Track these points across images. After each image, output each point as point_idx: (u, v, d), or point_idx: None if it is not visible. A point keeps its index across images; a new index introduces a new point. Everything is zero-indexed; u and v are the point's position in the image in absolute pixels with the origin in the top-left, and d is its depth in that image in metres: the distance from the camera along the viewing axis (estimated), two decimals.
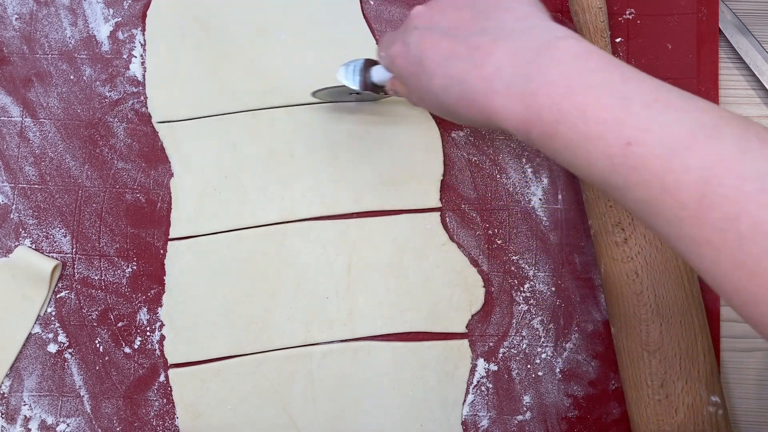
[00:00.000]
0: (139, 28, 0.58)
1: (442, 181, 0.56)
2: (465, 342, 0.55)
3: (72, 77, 0.58)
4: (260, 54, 0.57)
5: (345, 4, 0.58)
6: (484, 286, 0.55)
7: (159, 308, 0.55)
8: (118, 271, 0.56)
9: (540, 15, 0.37)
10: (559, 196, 0.56)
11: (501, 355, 0.55)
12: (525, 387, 0.54)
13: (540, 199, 0.56)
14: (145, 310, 0.55)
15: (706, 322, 0.50)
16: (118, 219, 0.57)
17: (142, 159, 0.57)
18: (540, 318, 0.55)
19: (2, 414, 0.55)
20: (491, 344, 0.55)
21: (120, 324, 0.55)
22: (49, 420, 0.55)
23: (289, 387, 0.54)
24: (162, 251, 0.56)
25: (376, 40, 0.58)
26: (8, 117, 0.58)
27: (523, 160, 0.56)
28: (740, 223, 0.28)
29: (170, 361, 0.55)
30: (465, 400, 0.54)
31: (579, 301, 0.55)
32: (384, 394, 0.54)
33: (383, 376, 0.54)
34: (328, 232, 0.56)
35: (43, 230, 0.57)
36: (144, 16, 0.58)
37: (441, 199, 0.56)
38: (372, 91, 0.49)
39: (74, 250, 0.56)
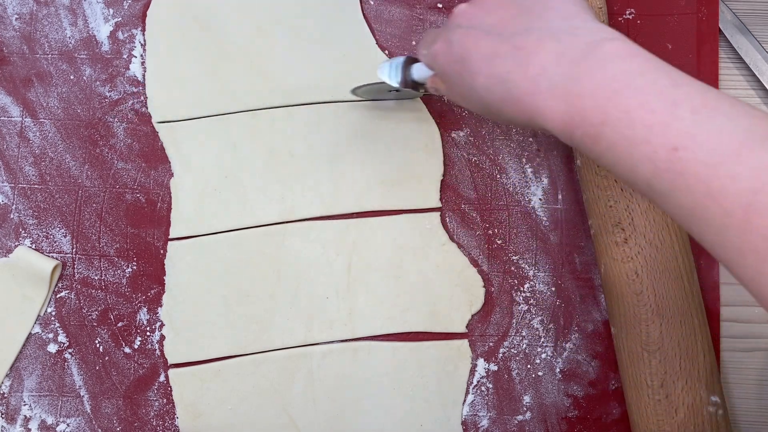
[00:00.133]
0: (139, 28, 0.58)
1: (442, 181, 0.56)
2: (465, 342, 0.55)
3: (72, 77, 0.58)
4: (260, 54, 0.57)
5: (345, 4, 0.58)
6: (484, 286, 0.55)
7: (159, 308, 0.55)
8: (118, 271, 0.56)
9: (585, 15, 0.36)
10: (559, 196, 0.56)
11: (501, 355, 0.55)
12: (525, 387, 0.54)
13: (540, 199, 0.56)
14: (145, 310, 0.55)
15: (706, 322, 0.50)
16: (118, 219, 0.57)
17: (142, 159, 0.57)
18: (540, 318, 0.55)
19: (2, 414, 0.55)
20: (491, 344, 0.55)
21: (120, 324, 0.55)
22: (49, 420, 0.55)
23: (289, 387, 0.54)
24: (162, 251, 0.56)
25: (376, 40, 0.58)
26: (8, 117, 0.58)
27: (523, 160, 0.56)
28: None
29: (170, 361, 0.55)
30: (465, 400, 0.54)
31: (579, 301, 0.55)
32: (384, 394, 0.54)
33: (383, 376, 0.54)
34: (328, 232, 0.56)
35: (43, 230, 0.57)
36: (144, 16, 0.58)
37: (441, 199, 0.56)
38: (412, 89, 0.49)
39: (74, 250, 0.56)
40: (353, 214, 0.56)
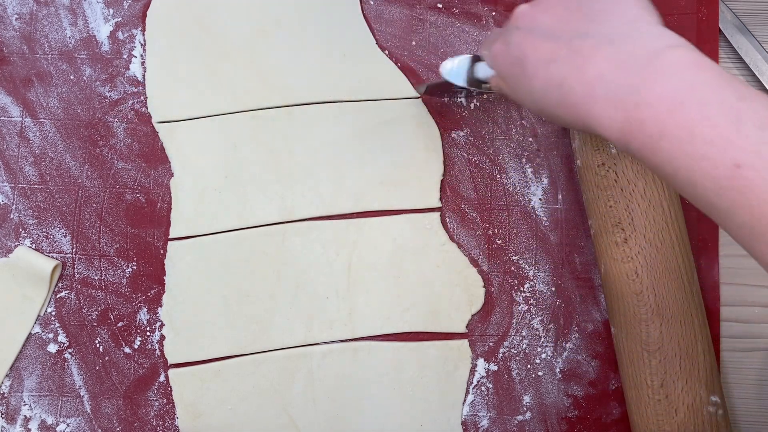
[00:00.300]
0: (139, 28, 0.58)
1: (442, 181, 0.56)
2: (465, 342, 0.55)
3: (72, 77, 0.58)
4: (260, 54, 0.57)
5: (345, 4, 0.58)
6: (484, 286, 0.55)
7: (159, 308, 0.55)
8: (118, 271, 0.56)
9: (649, 19, 0.35)
10: (559, 196, 0.56)
11: (501, 355, 0.55)
12: (525, 387, 0.54)
13: (540, 199, 0.56)
14: (145, 310, 0.55)
15: (706, 322, 0.50)
16: (118, 219, 0.57)
17: (142, 159, 0.57)
18: (540, 318, 0.55)
19: (2, 414, 0.55)
20: (491, 344, 0.55)
21: (120, 324, 0.55)
22: (49, 420, 0.55)
23: (289, 387, 0.54)
24: (162, 251, 0.56)
25: (376, 40, 0.58)
26: (8, 117, 0.58)
27: (523, 160, 0.56)
28: None
29: (170, 361, 0.55)
30: (465, 400, 0.54)
31: (579, 301, 0.55)
32: (384, 394, 0.54)
33: (383, 376, 0.54)
34: (328, 232, 0.56)
35: (43, 230, 0.57)
36: (144, 16, 0.58)
37: (441, 199, 0.56)
38: (476, 87, 0.49)
39: (74, 250, 0.56)
40: (353, 214, 0.56)
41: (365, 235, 0.56)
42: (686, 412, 0.47)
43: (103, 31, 0.58)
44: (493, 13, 0.58)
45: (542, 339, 0.55)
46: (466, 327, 0.55)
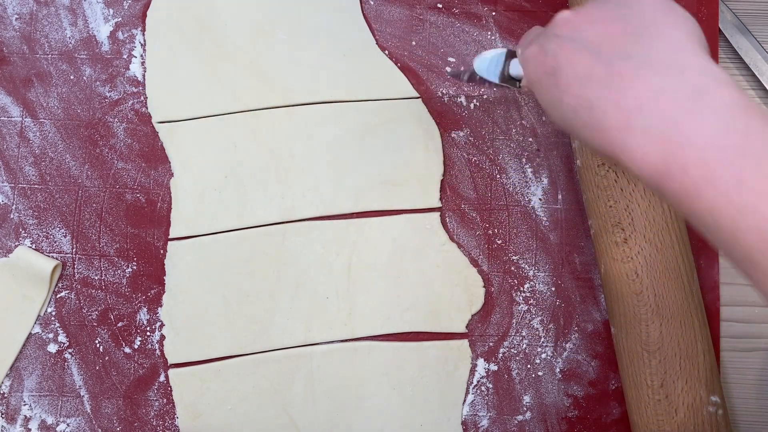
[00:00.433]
0: (139, 28, 0.58)
1: (442, 181, 0.56)
2: (465, 342, 0.55)
3: (72, 77, 0.58)
4: (260, 54, 0.57)
5: (345, 4, 0.58)
6: (484, 286, 0.55)
7: (159, 308, 0.55)
8: (118, 271, 0.56)
9: (697, 49, 0.33)
10: (559, 196, 0.56)
11: (501, 355, 0.55)
12: (525, 387, 0.54)
13: (540, 199, 0.56)
14: (145, 310, 0.55)
15: (706, 322, 0.50)
16: (118, 219, 0.57)
17: (142, 159, 0.57)
18: (540, 318, 0.55)
19: (2, 414, 0.55)
20: (491, 344, 0.55)
21: (120, 324, 0.55)
22: (49, 420, 0.55)
23: (289, 387, 0.54)
24: (162, 251, 0.56)
25: (376, 40, 0.58)
26: (8, 117, 0.58)
27: (523, 160, 0.56)
28: None
29: (170, 361, 0.55)
30: (465, 400, 0.54)
31: (579, 301, 0.55)
32: (384, 394, 0.54)
33: (383, 376, 0.54)
34: (328, 232, 0.56)
35: (43, 230, 0.57)
36: (144, 16, 0.58)
37: (441, 199, 0.56)
38: (509, 84, 0.47)
39: (74, 250, 0.56)
40: (353, 214, 0.56)
41: (365, 235, 0.56)
42: (686, 412, 0.47)
43: (103, 31, 0.58)
44: (493, 13, 0.58)
45: (542, 339, 0.55)
46: (466, 327, 0.55)
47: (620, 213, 0.49)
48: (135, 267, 0.56)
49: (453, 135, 0.57)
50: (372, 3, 0.58)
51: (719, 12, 0.56)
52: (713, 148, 0.29)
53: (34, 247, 0.56)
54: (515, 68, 0.45)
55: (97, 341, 0.55)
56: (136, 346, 0.55)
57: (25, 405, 0.55)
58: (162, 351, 0.55)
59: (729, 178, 0.28)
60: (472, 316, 0.55)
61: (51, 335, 0.55)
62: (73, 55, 0.58)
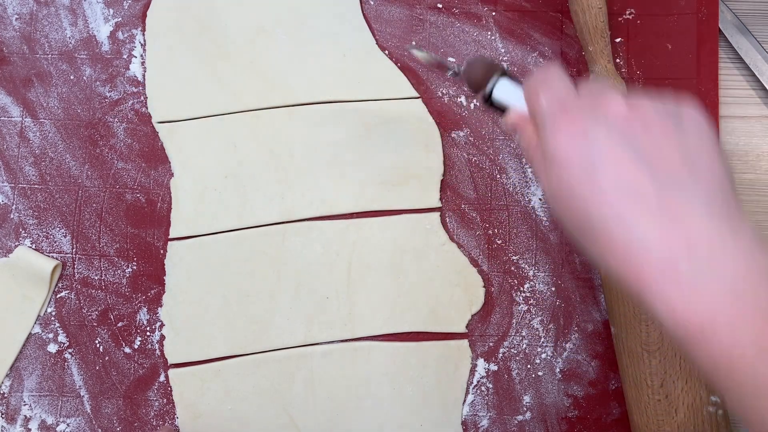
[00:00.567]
0: (139, 28, 0.58)
1: (442, 181, 0.56)
2: (465, 342, 0.55)
3: (72, 77, 0.58)
4: (260, 54, 0.57)
5: (345, 4, 0.58)
6: (484, 286, 0.55)
7: (159, 308, 0.55)
8: (118, 271, 0.56)
9: (731, 186, 0.30)
10: None
11: (501, 355, 0.55)
12: (525, 387, 0.54)
13: (540, 199, 0.56)
14: (145, 310, 0.55)
15: None
16: (118, 219, 0.57)
17: (142, 159, 0.57)
18: (540, 318, 0.55)
19: (2, 414, 0.55)
20: (491, 344, 0.55)
21: (120, 324, 0.55)
22: (49, 420, 0.55)
23: (289, 387, 0.54)
24: (162, 251, 0.56)
25: (376, 40, 0.58)
26: (8, 117, 0.58)
27: (523, 160, 0.56)
28: None
29: (170, 361, 0.55)
30: (465, 400, 0.54)
31: (579, 301, 0.55)
32: (384, 394, 0.54)
33: (383, 376, 0.54)
34: (328, 232, 0.56)
35: (43, 230, 0.57)
36: (144, 16, 0.58)
37: (441, 199, 0.56)
38: (486, 107, 0.39)
39: (74, 250, 0.56)
40: (353, 214, 0.56)
41: (365, 235, 0.56)
42: (686, 412, 0.47)
43: (103, 31, 0.58)
44: (493, 13, 0.58)
45: (542, 339, 0.55)
46: (466, 327, 0.55)
47: None
48: (135, 267, 0.56)
49: (453, 135, 0.57)
50: (372, 3, 0.58)
51: (719, 12, 0.56)
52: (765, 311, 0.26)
53: (34, 247, 0.56)
54: (504, 93, 0.38)
55: (97, 341, 0.55)
56: (136, 346, 0.55)
57: (25, 405, 0.55)
58: (162, 351, 0.55)
59: None
60: (472, 316, 0.55)
61: (51, 335, 0.55)
62: (73, 55, 0.58)
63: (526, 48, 0.57)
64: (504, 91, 0.37)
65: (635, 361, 0.49)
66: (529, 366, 0.55)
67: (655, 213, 0.28)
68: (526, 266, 0.56)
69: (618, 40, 0.57)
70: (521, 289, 0.55)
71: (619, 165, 0.29)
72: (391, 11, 0.58)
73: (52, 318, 0.56)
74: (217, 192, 0.56)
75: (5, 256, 0.56)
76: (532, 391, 0.54)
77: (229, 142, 0.57)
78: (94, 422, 0.55)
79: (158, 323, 0.55)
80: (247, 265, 0.55)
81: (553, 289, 0.55)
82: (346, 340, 0.55)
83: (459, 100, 0.57)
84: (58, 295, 0.56)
